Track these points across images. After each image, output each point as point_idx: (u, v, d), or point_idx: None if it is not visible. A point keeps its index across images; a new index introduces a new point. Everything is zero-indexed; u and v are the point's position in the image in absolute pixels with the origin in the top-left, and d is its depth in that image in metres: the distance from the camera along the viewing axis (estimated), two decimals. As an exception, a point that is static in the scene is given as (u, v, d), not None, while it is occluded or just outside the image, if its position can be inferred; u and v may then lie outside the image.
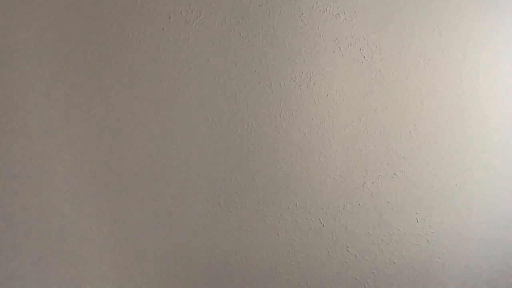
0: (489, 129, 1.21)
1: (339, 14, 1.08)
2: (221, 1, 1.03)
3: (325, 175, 1.17)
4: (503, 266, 1.32)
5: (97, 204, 1.10)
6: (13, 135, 1.02)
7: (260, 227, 1.18)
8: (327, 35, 1.08)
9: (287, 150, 1.14)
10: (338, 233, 1.22)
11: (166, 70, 1.05)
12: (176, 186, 1.12)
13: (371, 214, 1.22)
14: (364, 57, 1.11)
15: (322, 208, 1.19)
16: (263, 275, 1.22)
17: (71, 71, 1.01)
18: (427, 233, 1.26)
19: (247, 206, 1.16)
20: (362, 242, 1.24)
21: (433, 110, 1.17)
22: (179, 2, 1.01)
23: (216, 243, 1.18)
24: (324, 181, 1.17)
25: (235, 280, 1.21)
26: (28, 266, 1.10)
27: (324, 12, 1.07)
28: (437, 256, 1.28)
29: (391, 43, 1.11)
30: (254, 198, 1.16)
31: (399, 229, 1.24)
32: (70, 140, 1.05)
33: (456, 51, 1.14)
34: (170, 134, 1.08)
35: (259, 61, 1.08)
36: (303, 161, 1.15)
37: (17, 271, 1.10)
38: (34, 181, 1.06)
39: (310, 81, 1.11)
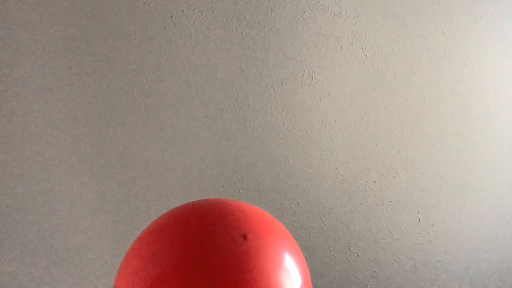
0: (492, 128, 1.21)
1: (341, 13, 1.08)
2: (222, 0, 1.02)
3: (327, 174, 1.17)
4: (506, 266, 1.32)
5: (98, 203, 1.10)
6: (13, 135, 1.02)
7: (262, 226, 1.18)
8: (329, 34, 1.08)
9: (288, 149, 1.14)
10: (340, 232, 1.22)
11: (167, 69, 1.04)
12: (178, 185, 1.12)
13: (373, 213, 1.22)
14: (366, 55, 1.11)
15: (324, 207, 1.19)
16: (265, 274, 1.22)
17: (72, 71, 1.01)
18: (429, 232, 1.26)
19: (249, 205, 1.16)
20: (364, 241, 1.24)
21: (435, 109, 1.17)
22: (181, 1, 1.01)
23: (218, 242, 1.17)
24: (325, 180, 1.17)
25: (237, 279, 1.21)
26: (28, 265, 1.10)
27: (326, 11, 1.07)
28: (439, 255, 1.28)
29: (393, 41, 1.11)
30: (256, 197, 1.16)
31: (401, 228, 1.24)
32: (71, 140, 1.05)
33: (459, 50, 1.14)
34: (171, 133, 1.08)
35: (261, 60, 1.07)
36: (304, 160, 1.15)
37: (17, 271, 1.10)
38: (34, 180, 1.06)
39: (312, 80, 1.10)
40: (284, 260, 0.46)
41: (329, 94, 1.12)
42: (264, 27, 1.05)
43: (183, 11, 1.02)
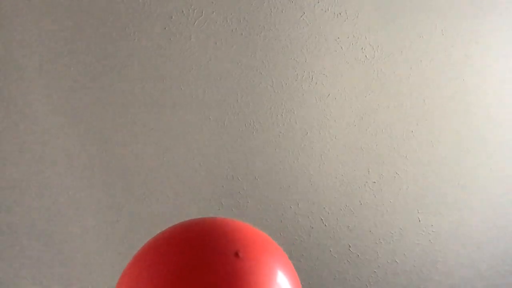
0: (491, 128, 1.21)
1: (340, 14, 1.08)
2: (222, 1, 1.03)
3: (327, 175, 1.17)
4: (505, 266, 1.32)
5: (98, 204, 1.10)
6: (13, 135, 1.02)
7: (262, 227, 1.18)
8: (328, 34, 1.08)
9: (288, 150, 1.14)
10: (340, 232, 1.22)
11: (167, 70, 1.05)
12: (178, 186, 1.12)
13: (373, 213, 1.22)
14: (366, 56, 1.11)
15: (324, 208, 1.19)
16: (265, 274, 1.22)
17: (72, 71, 1.01)
18: (429, 233, 1.26)
19: (249, 206, 1.16)
20: (364, 242, 1.24)
21: (435, 109, 1.17)
22: (181, 1, 1.01)
23: (218, 242, 1.17)
24: (325, 180, 1.17)
25: (237, 279, 1.21)
26: (28, 266, 1.10)
27: (325, 11, 1.07)
28: (439, 256, 1.28)
29: (393, 42, 1.11)
30: (255, 198, 1.16)
31: (400, 229, 1.24)
32: (71, 140, 1.05)
33: (458, 50, 1.14)
34: (171, 133, 1.08)
35: (261, 61, 1.07)
36: (304, 160, 1.15)
37: (17, 271, 1.10)
38: (34, 181, 1.06)
39: (311, 80, 1.10)
40: (277, 277, 0.45)
41: (328, 95, 1.12)
42: (264, 27, 1.05)
43: (183, 11, 1.02)
